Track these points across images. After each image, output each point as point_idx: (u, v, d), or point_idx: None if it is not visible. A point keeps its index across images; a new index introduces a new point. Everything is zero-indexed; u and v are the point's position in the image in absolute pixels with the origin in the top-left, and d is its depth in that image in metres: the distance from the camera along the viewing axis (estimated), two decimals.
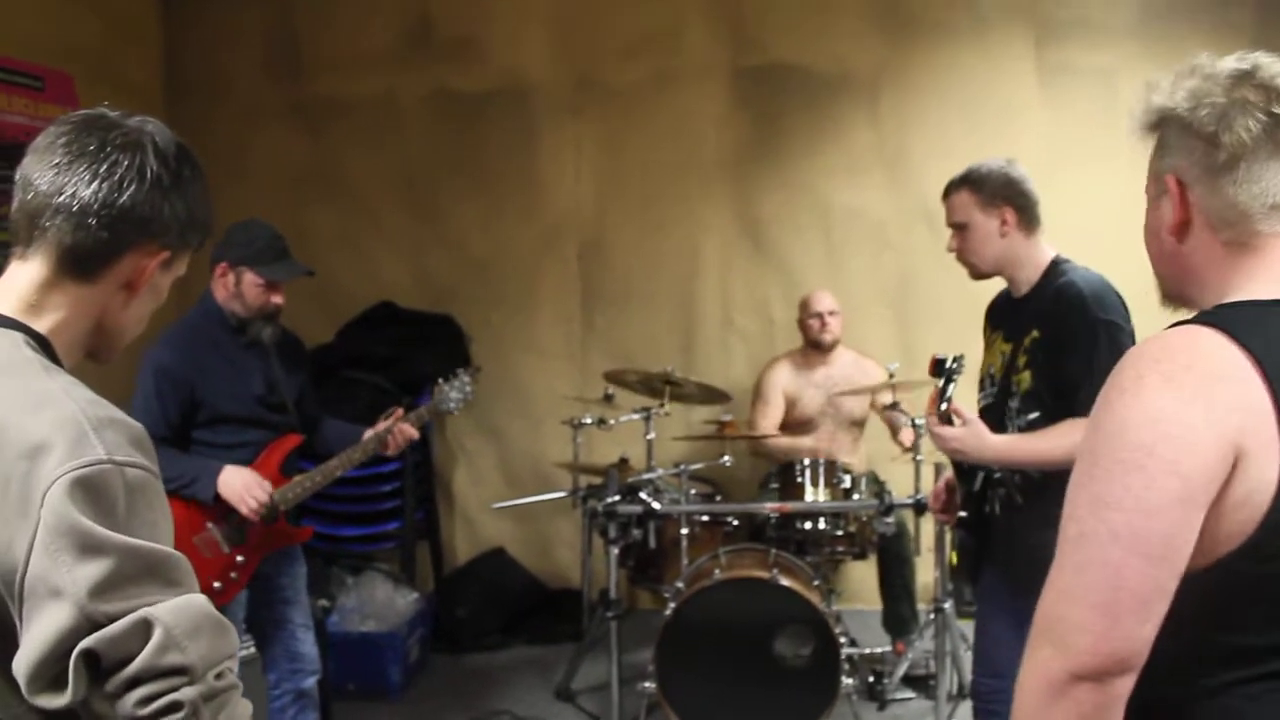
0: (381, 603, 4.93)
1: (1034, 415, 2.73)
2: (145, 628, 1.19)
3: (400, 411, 3.61)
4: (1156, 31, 5.45)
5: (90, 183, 1.37)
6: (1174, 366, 1.25)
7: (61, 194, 1.37)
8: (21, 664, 1.19)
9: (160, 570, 1.24)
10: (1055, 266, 2.83)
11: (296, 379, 3.58)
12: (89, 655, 1.17)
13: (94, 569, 1.18)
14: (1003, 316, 2.98)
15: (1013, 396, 2.79)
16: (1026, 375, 2.75)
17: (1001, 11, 5.60)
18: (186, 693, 1.20)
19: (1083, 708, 1.25)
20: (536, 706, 4.67)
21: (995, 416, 2.84)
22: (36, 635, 1.18)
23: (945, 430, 2.75)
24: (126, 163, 1.38)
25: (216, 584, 3.23)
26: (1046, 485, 2.66)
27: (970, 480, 2.93)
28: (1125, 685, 1.25)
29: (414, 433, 3.59)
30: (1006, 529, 2.84)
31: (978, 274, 2.96)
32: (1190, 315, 1.37)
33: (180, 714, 1.19)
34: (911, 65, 5.67)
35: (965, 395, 3.05)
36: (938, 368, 2.84)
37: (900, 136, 5.68)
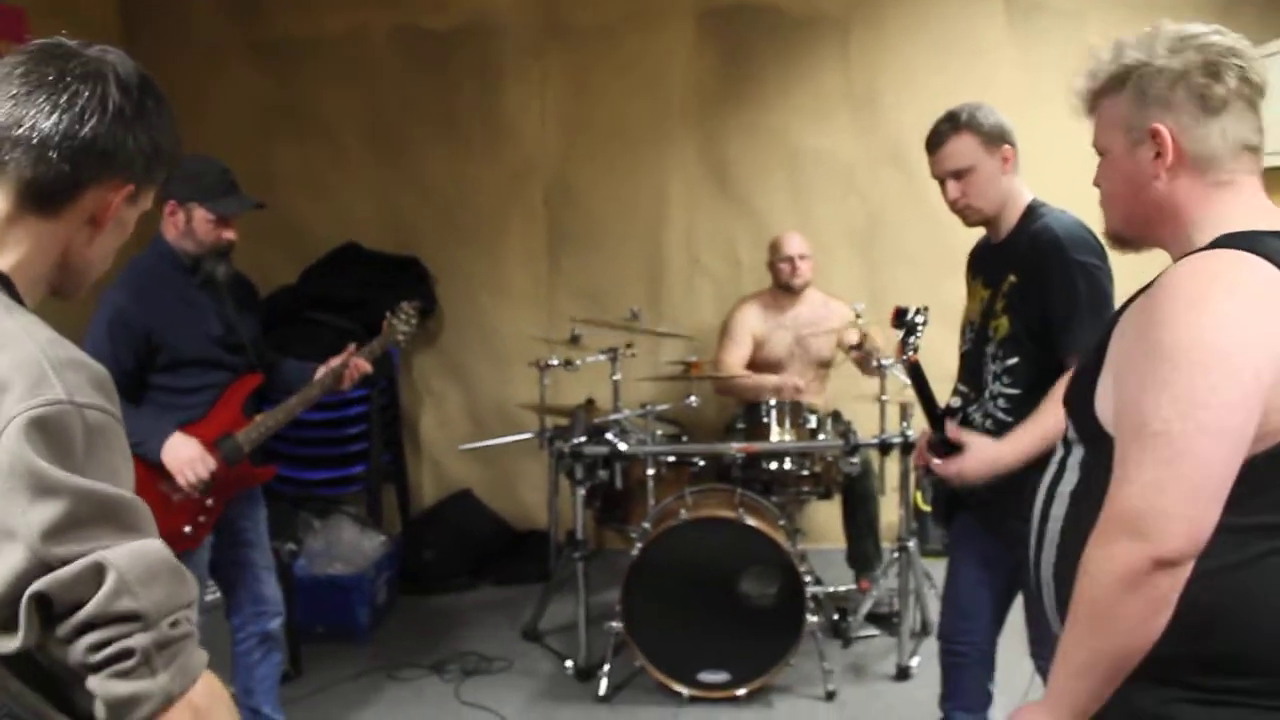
0: (349, 545, 4.93)
1: (1013, 360, 2.73)
2: (98, 572, 1.17)
3: (354, 347, 3.60)
4: None
5: (50, 114, 1.33)
6: (1233, 281, 1.43)
7: (20, 126, 1.33)
8: None
9: (117, 514, 1.21)
10: (1031, 210, 2.81)
11: (251, 319, 3.54)
12: (40, 599, 1.15)
13: (48, 511, 1.16)
14: (982, 263, 2.96)
15: (990, 342, 2.80)
16: (1004, 321, 2.75)
17: None
18: (139, 639, 1.17)
19: (1159, 592, 1.41)
20: (504, 647, 4.70)
21: (975, 362, 2.85)
22: None
23: (950, 466, 2.70)
24: (87, 93, 1.34)
25: (187, 528, 3.21)
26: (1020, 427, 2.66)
27: (943, 424, 2.93)
28: (1189, 569, 1.41)
29: (367, 367, 3.60)
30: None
31: (980, 219, 2.89)
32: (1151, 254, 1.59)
33: (131, 661, 1.17)
34: (881, 6, 5.62)
35: (948, 341, 3.06)
36: (899, 318, 2.83)
37: (869, 78, 5.65)
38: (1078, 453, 1.65)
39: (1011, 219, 2.84)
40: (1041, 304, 2.66)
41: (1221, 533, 1.42)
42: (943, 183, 2.89)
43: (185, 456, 3.16)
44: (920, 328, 2.82)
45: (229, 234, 3.32)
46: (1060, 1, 5.49)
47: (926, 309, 2.84)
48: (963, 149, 2.83)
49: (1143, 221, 1.64)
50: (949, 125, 2.85)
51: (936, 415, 2.80)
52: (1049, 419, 2.54)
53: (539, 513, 5.77)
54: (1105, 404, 1.56)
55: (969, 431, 2.74)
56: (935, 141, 2.88)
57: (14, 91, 1.34)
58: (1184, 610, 1.43)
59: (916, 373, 2.80)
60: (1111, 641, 1.45)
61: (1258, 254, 1.45)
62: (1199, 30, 1.57)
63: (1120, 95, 1.60)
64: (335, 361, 3.56)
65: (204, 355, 3.31)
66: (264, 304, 5.43)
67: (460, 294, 5.86)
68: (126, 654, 1.17)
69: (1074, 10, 5.45)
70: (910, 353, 2.80)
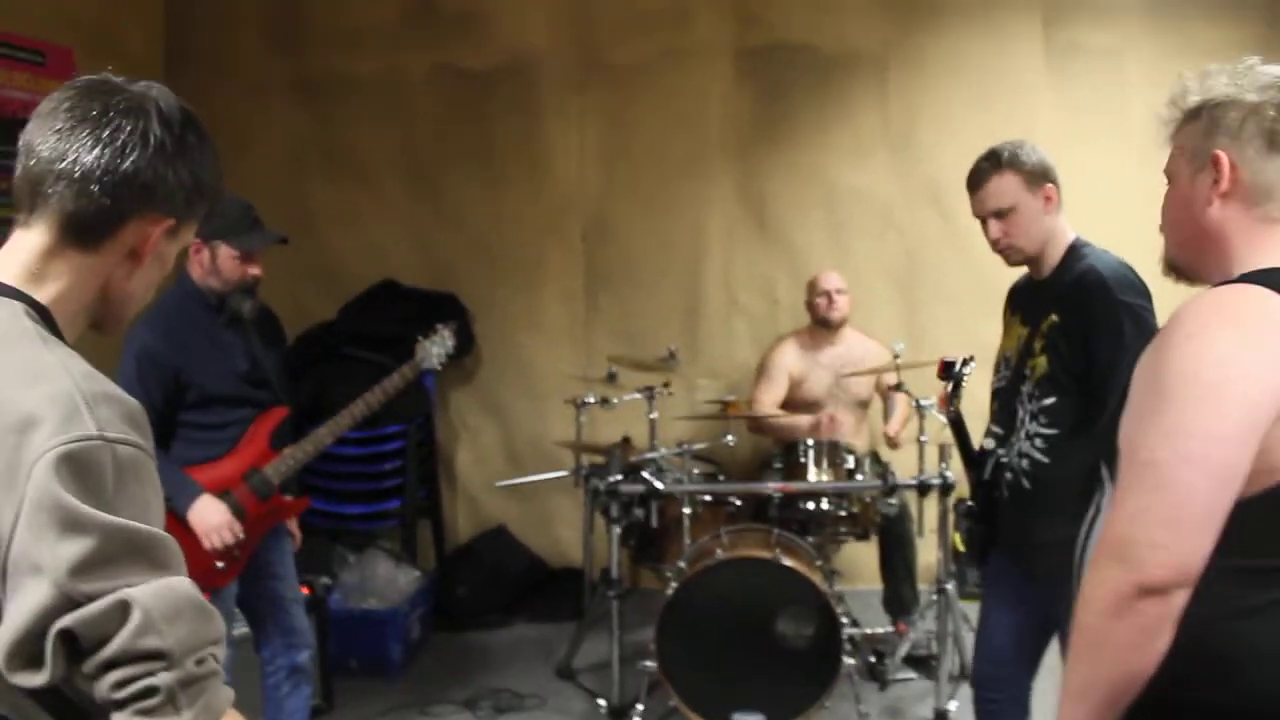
0: (383, 580, 4.93)
1: (1050, 400, 2.70)
2: (123, 609, 1.16)
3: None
4: (1164, 11, 5.42)
5: (93, 148, 1.34)
6: (1238, 314, 1.46)
7: (64, 160, 1.34)
8: (1, 641, 1.16)
9: (145, 551, 1.21)
10: (1074, 249, 2.78)
11: (277, 355, 3.57)
12: (66, 635, 1.15)
13: (75, 547, 1.16)
14: (1022, 300, 2.93)
15: (1026, 380, 2.76)
16: (1042, 360, 2.72)
17: None
18: (163, 678, 1.17)
19: (1146, 619, 1.40)
20: (537, 685, 4.67)
21: (1008, 400, 2.82)
22: (16, 612, 1.16)
23: None
24: (129, 128, 1.35)
25: (220, 564, 3.22)
26: (1053, 474, 2.64)
27: (981, 468, 2.91)
28: (1182, 599, 1.40)
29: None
30: (1014, 516, 2.82)
31: (1022, 259, 2.86)
32: (1198, 288, 1.59)
33: (155, 699, 1.16)
34: (919, 45, 5.63)
35: (984, 381, 3.03)
36: (946, 370, 2.83)
37: (907, 117, 5.65)
38: (1109, 491, 1.63)
39: (1054, 258, 2.81)
40: (1086, 346, 2.62)
41: (1231, 575, 1.43)
42: (984, 222, 2.86)
43: (214, 523, 3.17)
44: (966, 379, 2.80)
45: (254, 270, 3.34)
46: (1098, 41, 5.48)
47: (972, 359, 2.81)
48: (1004, 188, 2.80)
49: (1194, 249, 1.65)
50: (990, 164, 2.83)
51: (973, 459, 2.79)
52: None
53: (574, 550, 5.74)
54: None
55: None
56: (976, 180, 2.85)
57: (59, 126, 1.35)
58: (1195, 655, 1.44)
59: (958, 424, 2.77)
60: (1104, 668, 1.45)
61: (1274, 288, 1.46)
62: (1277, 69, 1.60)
63: (1195, 124, 1.63)
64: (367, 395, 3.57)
65: (231, 392, 3.33)
66: (302, 340, 5.57)
67: (498, 331, 5.88)
68: (150, 692, 1.16)
69: (1112, 50, 5.43)
70: (955, 404, 2.78)
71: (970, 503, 2.97)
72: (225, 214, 3.25)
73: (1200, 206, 1.61)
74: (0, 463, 1.19)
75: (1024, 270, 2.96)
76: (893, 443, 4.83)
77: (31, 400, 1.21)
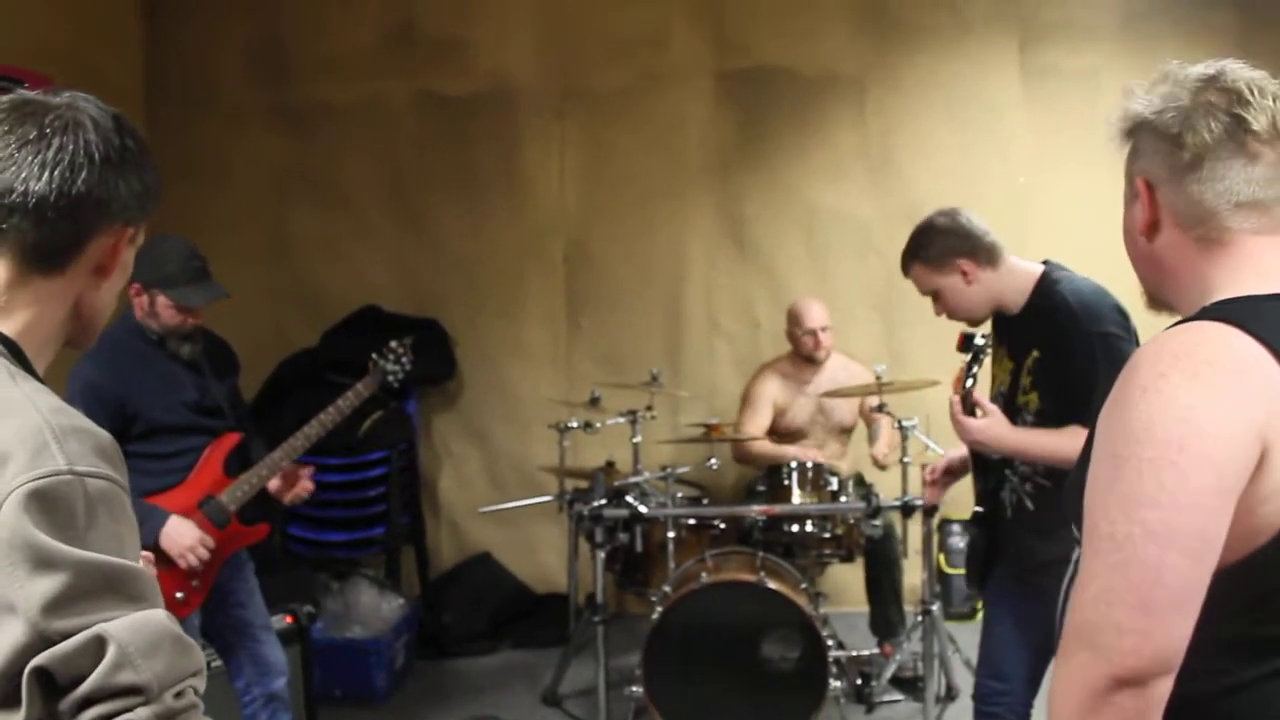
0: (367, 608, 4.90)
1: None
2: (99, 645, 1.15)
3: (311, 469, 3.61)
4: (1139, 33, 5.48)
5: (40, 175, 1.31)
6: (1196, 361, 1.26)
7: (13, 192, 1.31)
8: None
9: (119, 585, 1.20)
10: (1045, 279, 2.80)
11: (229, 384, 3.55)
12: (41, 673, 1.13)
13: (47, 584, 1.14)
14: (1005, 334, 2.95)
15: (1021, 413, 2.79)
16: (1034, 396, 2.75)
17: (985, 14, 5.61)
18: (140, 713, 1.15)
19: (1125, 714, 1.22)
20: (523, 711, 4.65)
21: None
22: None
23: (968, 421, 2.74)
24: (72, 147, 1.33)
25: (179, 594, 3.19)
26: (1055, 492, 2.65)
27: (987, 479, 2.92)
28: (1165, 687, 1.23)
29: (306, 492, 3.58)
30: (1016, 533, 2.84)
31: (973, 321, 2.94)
32: (1178, 316, 1.40)
33: None
34: (896, 68, 5.67)
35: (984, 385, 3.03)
36: (966, 343, 2.81)
37: (885, 139, 5.68)
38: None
39: (1019, 298, 2.85)
40: (1063, 378, 2.66)
41: (1217, 650, 1.28)
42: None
43: (187, 542, 3.16)
44: (985, 354, 2.81)
45: (193, 319, 3.32)
46: (1073, 63, 5.53)
47: (989, 336, 2.83)
48: (920, 278, 2.96)
49: (1152, 281, 1.51)
50: (906, 255, 2.98)
51: (980, 463, 2.83)
52: (1064, 439, 2.59)
53: (558, 575, 5.73)
54: None
55: (992, 406, 2.78)
56: (903, 269, 3.01)
57: None
58: None
59: (968, 407, 2.76)
60: None
61: (1243, 325, 1.28)
62: (1197, 72, 1.43)
63: (1126, 148, 1.50)
64: (324, 414, 3.55)
65: (179, 422, 3.31)
66: (284, 366, 5.56)
67: (480, 356, 5.87)
68: None
69: (1087, 71, 5.48)
70: (970, 382, 2.77)
71: (978, 508, 2.98)
72: (167, 263, 3.22)
73: (1136, 237, 1.48)
74: None
75: None
76: (880, 464, 4.84)
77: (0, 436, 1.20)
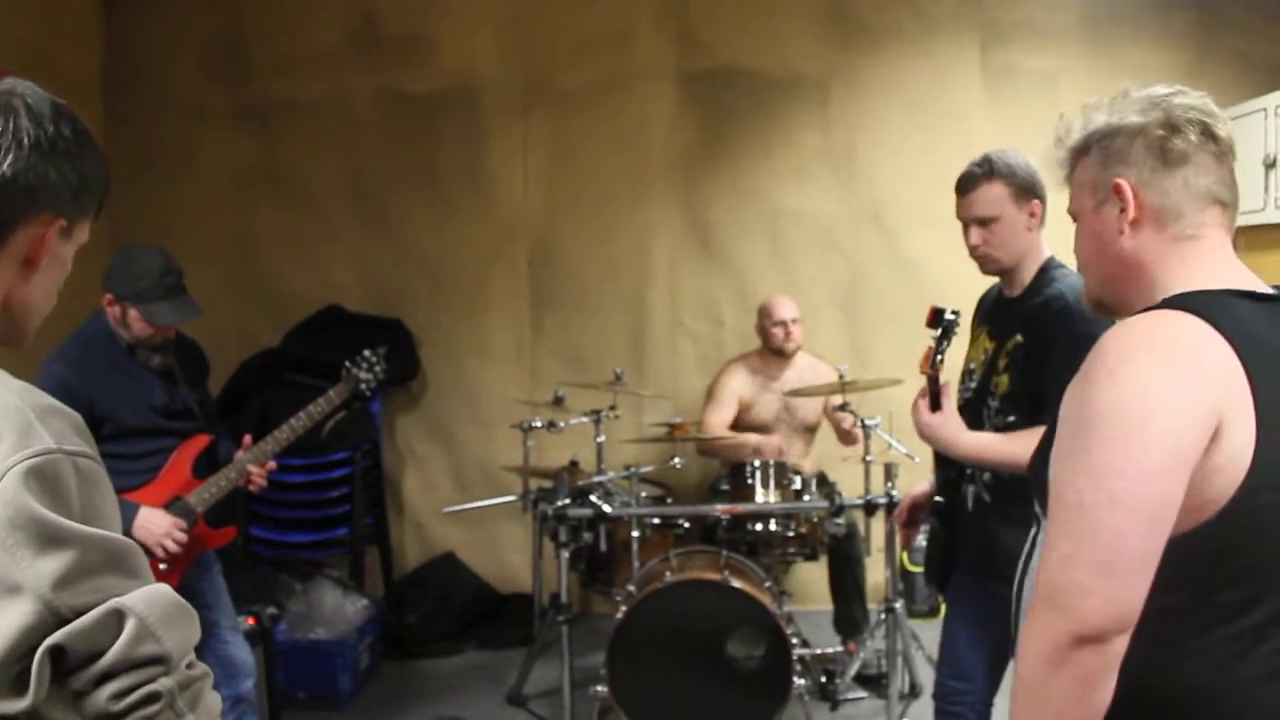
0: (331, 609, 4.87)
1: (1011, 418, 2.71)
2: (118, 618, 1.15)
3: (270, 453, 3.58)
4: (1099, 34, 5.54)
5: None
6: (1160, 344, 1.40)
7: None
8: None
9: (121, 560, 1.20)
10: (1045, 271, 2.78)
11: (199, 385, 3.55)
12: (55, 651, 1.13)
13: (56, 561, 1.14)
14: (990, 314, 2.94)
15: (991, 396, 2.77)
16: (1005, 379, 2.73)
17: (947, 15, 5.65)
18: (164, 682, 1.17)
19: (1085, 669, 1.35)
20: (488, 712, 4.64)
21: (973, 413, 2.81)
22: None
23: (923, 415, 2.70)
24: None
25: None
26: (1013, 486, 2.64)
27: (949, 469, 2.91)
28: (1121, 645, 1.35)
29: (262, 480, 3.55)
30: (975, 527, 2.83)
31: (998, 269, 2.85)
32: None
33: (157, 705, 1.16)
34: (859, 68, 5.70)
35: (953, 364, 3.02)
36: (937, 318, 2.73)
37: (848, 139, 5.71)
38: (1045, 527, 1.61)
39: (1027, 276, 2.81)
40: (1043, 369, 2.62)
41: (1170, 615, 1.39)
42: (966, 226, 2.84)
43: (161, 531, 3.16)
44: (955, 331, 2.76)
45: (165, 333, 3.32)
46: (1034, 64, 5.58)
47: (959, 312, 2.79)
48: (991, 197, 2.78)
49: (1115, 282, 1.61)
50: (981, 170, 2.80)
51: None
52: (1017, 445, 2.54)
53: (523, 575, 5.72)
54: None
55: (951, 405, 2.73)
56: (965, 185, 2.83)
57: None
58: (1139, 701, 1.40)
59: (935, 390, 2.74)
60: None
61: (1200, 313, 1.41)
62: (1161, 91, 1.57)
63: (1087, 159, 1.61)
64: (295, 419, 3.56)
65: (147, 424, 3.30)
66: (246, 366, 5.52)
67: (443, 356, 5.86)
68: (153, 698, 1.16)
69: (1047, 72, 5.54)
70: (939, 359, 2.74)
71: (938, 498, 2.96)
72: (141, 278, 3.22)
73: (1112, 238, 1.58)
74: None
75: (968, 285, 2.98)
76: (848, 437, 4.82)
77: None
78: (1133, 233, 1.56)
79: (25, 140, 1.29)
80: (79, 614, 1.14)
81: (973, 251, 2.85)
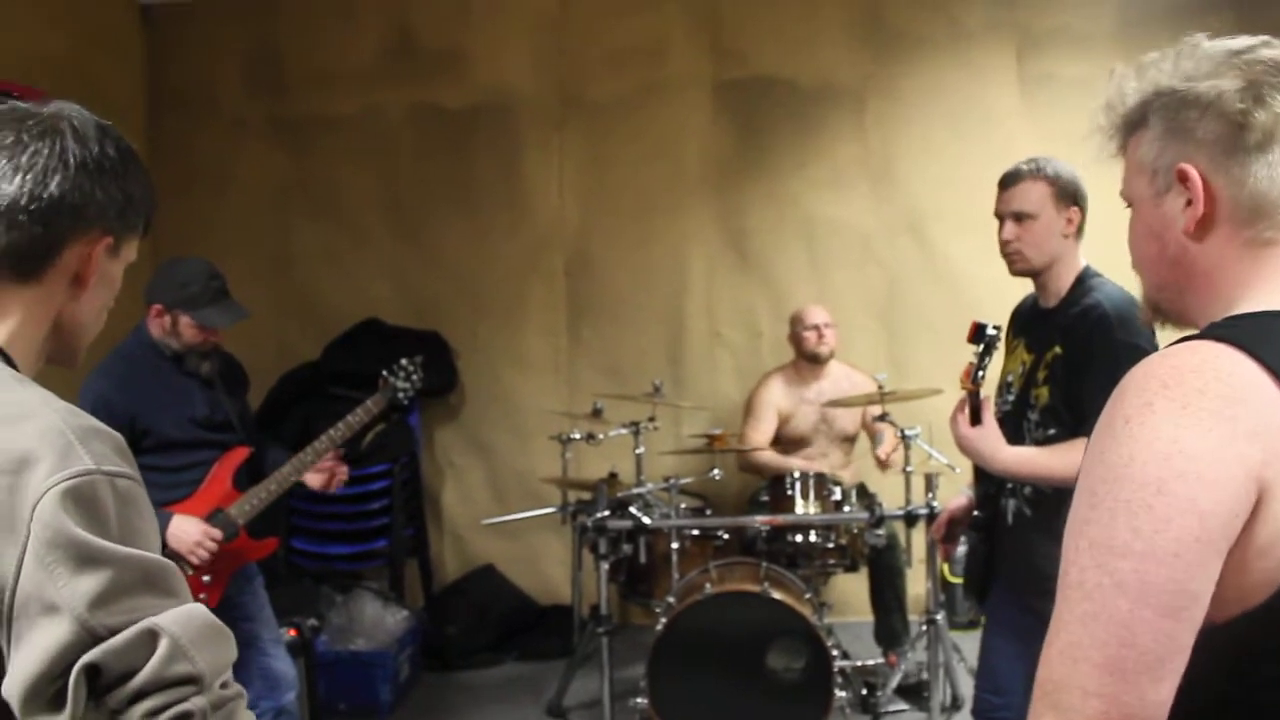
0: (371, 621, 4.90)
1: (1052, 430, 2.68)
2: (151, 638, 1.17)
3: (339, 453, 3.63)
4: (1136, 40, 5.47)
5: (13, 178, 1.31)
6: (1187, 391, 1.09)
7: None
8: (16, 685, 1.15)
9: (157, 580, 1.21)
10: (1082, 280, 2.76)
11: (239, 397, 3.58)
12: (90, 670, 1.14)
13: (92, 581, 1.16)
14: (1027, 324, 2.91)
15: (1031, 409, 2.75)
16: (1045, 391, 2.70)
17: (983, 23, 5.63)
18: (196, 702, 1.18)
19: None
20: None
21: (1013, 426, 2.78)
22: (32, 653, 1.15)
23: (963, 429, 2.67)
24: (47, 151, 1.32)
25: (201, 596, 3.20)
26: (1055, 499, 2.62)
27: (988, 483, 2.89)
28: None
29: (343, 477, 3.62)
30: (1016, 541, 2.80)
31: (1026, 269, 2.84)
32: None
33: None
34: (895, 78, 5.68)
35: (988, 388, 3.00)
36: (979, 333, 2.71)
37: (885, 148, 5.69)
38: None
39: (1063, 286, 2.79)
40: (1082, 382, 2.61)
41: (1199, 714, 1.12)
42: (1001, 221, 2.84)
43: (193, 539, 3.18)
44: (997, 346, 2.74)
45: (214, 338, 3.37)
46: (1070, 71, 5.53)
47: (1000, 327, 2.77)
48: (1032, 193, 2.79)
49: (1175, 289, 1.28)
50: (1028, 167, 2.82)
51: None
52: (1058, 460, 2.53)
53: (562, 587, 5.72)
54: None
55: (991, 419, 2.68)
56: (1009, 179, 2.85)
57: None
58: None
59: (975, 405, 2.71)
60: None
61: (1248, 346, 1.11)
62: (1243, 43, 1.23)
63: (1145, 132, 1.27)
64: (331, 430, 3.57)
65: (189, 437, 3.34)
66: (286, 379, 5.57)
67: (481, 368, 5.88)
68: (185, 717, 1.17)
69: (1084, 79, 5.48)
70: (980, 375, 2.72)
71: (977, 513, 2.94)
72: (189, 284, 3.27)
73: (1174, 237, 1.24)
74: None
75: (1007, 294, 2.95)
76: (883, 464, 4.81)
77: (22, 439, 1.20)
78: (1200, 232, 1.22)
79: (71, 160, 1.34)
80: (114, 633, 1.15)
81: (1004, 247, 2.84)
